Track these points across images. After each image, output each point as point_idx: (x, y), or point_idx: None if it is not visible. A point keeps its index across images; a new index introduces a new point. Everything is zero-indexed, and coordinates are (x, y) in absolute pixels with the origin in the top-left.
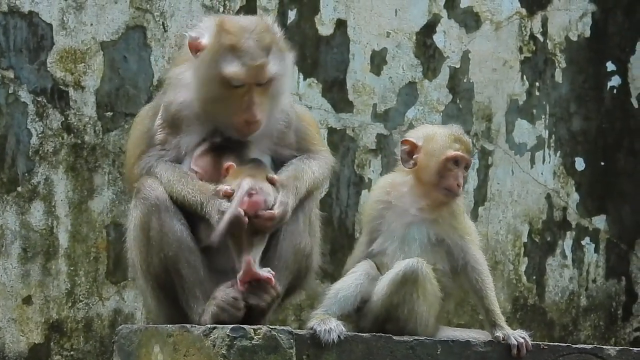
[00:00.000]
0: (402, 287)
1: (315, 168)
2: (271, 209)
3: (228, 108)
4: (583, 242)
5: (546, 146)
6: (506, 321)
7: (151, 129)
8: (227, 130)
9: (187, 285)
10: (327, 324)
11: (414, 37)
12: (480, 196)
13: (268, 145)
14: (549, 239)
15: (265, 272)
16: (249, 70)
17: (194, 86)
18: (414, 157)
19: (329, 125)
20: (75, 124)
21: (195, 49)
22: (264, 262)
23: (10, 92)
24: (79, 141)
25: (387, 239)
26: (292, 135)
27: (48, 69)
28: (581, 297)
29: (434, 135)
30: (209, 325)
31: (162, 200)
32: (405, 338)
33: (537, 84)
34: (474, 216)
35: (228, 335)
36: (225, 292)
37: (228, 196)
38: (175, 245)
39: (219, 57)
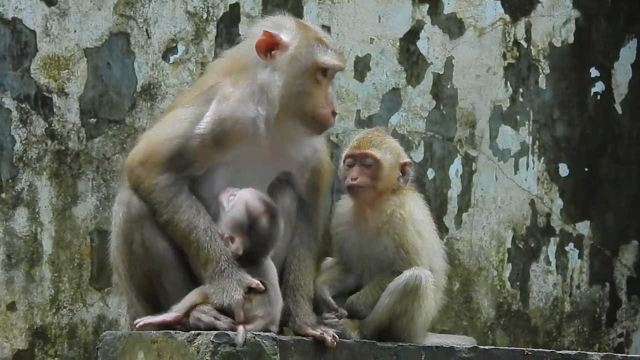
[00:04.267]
0: (405, 297)
1: (310, 264)
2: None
3: (314, 101)
4: (567, 248)
5: (530, 152)
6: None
7: (188, 133)
8: (303, 131)
9: (170, 297)
10: None
11: (398, 44)
12: (464, 202)
13: (288, 167)
14: (532, 245)
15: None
16: (340, 57)
17: (279, 84)
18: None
19: None
20: (59, 130)
21: (274, 45)
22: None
23: None
24: (63, 148)
25: (350, 256)
26: (307, 174)
27: (32, 75)
28: (565, 303)
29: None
30: (193, 332)
31: (144, 216)
32: (389, 344)
33: (520, 90)
34: (458, 222)
35: (212, 341)
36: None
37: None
38: (158, 261)
39: (312, 49)
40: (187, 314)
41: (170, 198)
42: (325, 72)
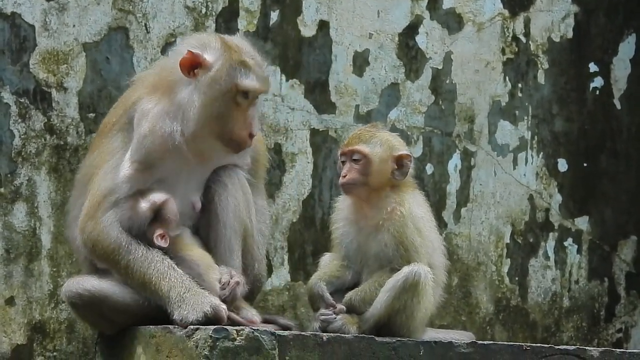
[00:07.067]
0: (404, 292)
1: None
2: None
3: (232, 123)
4: (565, 244)
5: (528, 147)
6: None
7: (119, 166)
8: (220, 149)
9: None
10: None
11: (397, 39)
12: (463, 197)
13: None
14: (531, 240)
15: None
16: (263, 81)
17: (197, 104)
18: None
19: (312, 127)
20: (57, 125)
21: (197, 64)
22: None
23: None
24: (62, 142)
25: (349, 252)
26: (247, 163)
27: (30, 70)
28: (564, 299)
29: None
30: (191, 327)
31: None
32: (388, 339)
33: (519, 85)
34: (456, 217)
35: (211, 336)
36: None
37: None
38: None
39: (233, 72)
40: None
41: (122, 241)
42: (246, 95)
